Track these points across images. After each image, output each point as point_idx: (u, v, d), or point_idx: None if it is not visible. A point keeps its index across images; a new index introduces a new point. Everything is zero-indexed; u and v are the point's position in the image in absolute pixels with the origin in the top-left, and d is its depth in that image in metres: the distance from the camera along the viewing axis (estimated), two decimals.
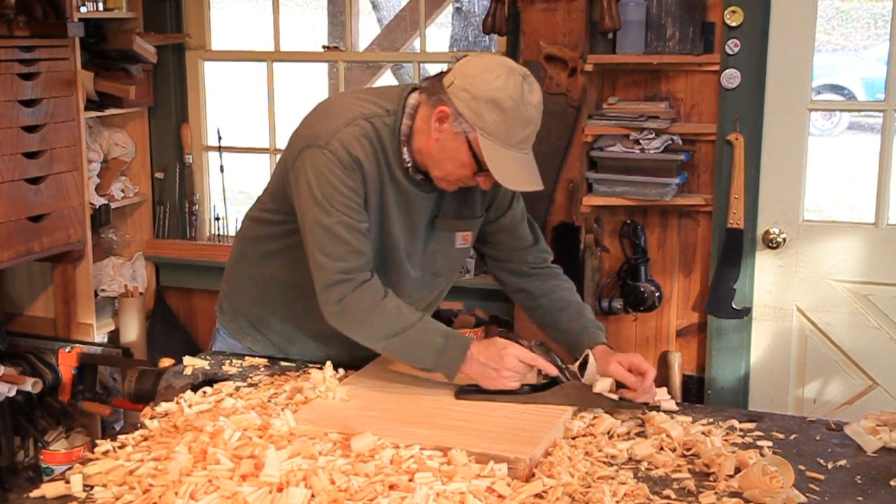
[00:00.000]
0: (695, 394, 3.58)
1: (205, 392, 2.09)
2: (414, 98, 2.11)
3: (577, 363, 2.07)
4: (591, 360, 2.05)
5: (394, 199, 2.13)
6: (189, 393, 2.08)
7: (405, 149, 2.10)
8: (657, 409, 2.06)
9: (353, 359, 2.24)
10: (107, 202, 3.97)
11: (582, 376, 2.04)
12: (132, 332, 4.07)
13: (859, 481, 1.77)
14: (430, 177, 2.12)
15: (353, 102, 2.14)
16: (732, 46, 3.33)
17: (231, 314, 2.40)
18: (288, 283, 2.26)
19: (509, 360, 2.01)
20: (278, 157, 4.36)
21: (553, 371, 2.02)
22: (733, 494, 1.70)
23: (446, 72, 2.06)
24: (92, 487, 1.70)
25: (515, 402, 2.01)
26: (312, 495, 1.58)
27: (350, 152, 2.04)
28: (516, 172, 2.03)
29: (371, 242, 2.10)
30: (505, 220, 2.29)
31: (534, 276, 2.33)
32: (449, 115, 2.00)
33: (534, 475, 1.73)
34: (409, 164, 2.11)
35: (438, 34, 7.95)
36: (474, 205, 2.24)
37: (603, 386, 2.02)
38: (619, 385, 2.04)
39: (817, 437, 1.96)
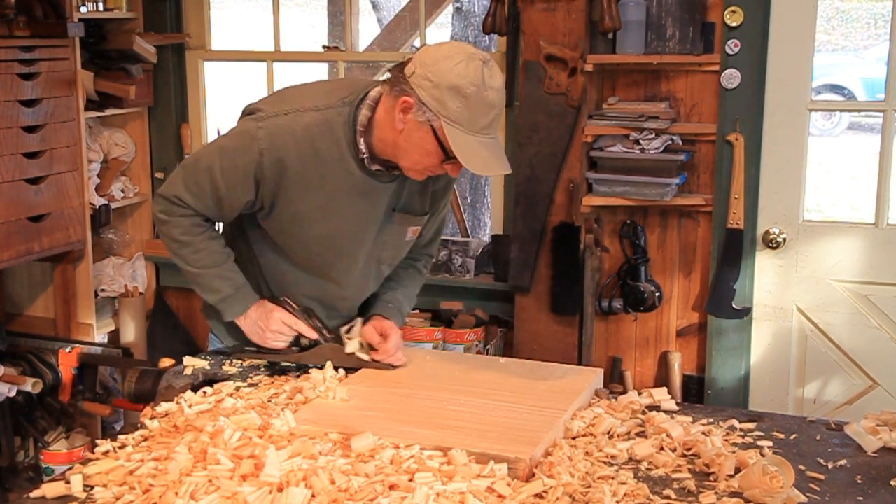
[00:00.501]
0: (695, 394, 3.58)
1: (205, 392, 2.09)
2: (376, 90, 2.13)
3: (346, 327, 2.29)
4: (357, 325, 2.27)
5: (344, 188, 2.15)
6: (189, 393, 2.08)
7: (361, 139, 2.12)
8: (657, 409, 2.07)
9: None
10: (107, 202, 3.97)
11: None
12: (132, 332, 4.07)
13: (859, 481, 1.77)
14: (389, 167, 2.15)
15: (312, 92, 2.20)
16: (732, 46, 3.33)
17: (215, 313, 2.40)
18: (269, 271, 2.32)
19: (274, 322, 2.22)
20: None
21: (312, 335, 2.24)
22: (733, 494, 1.70)
23: (406, 61, 2.06)
24: (92, 487, 1.70)
25: (283, 359, 2.25)
26: (312, 495, 1.58)
27: (272, 142, 2.09)
28: (483, 158, 2.03)
29: (311, 229, 2.19)
30: (430, 218, 2.36)
31: (402, 265, 2.42)
32: (412, 104, 2.01)
33: (534, 475, 1.73)
34: (364, 155, 2.13)
35: (438, 34, 7.94)
36: (426, 201, 2.29)
37: (352, 346, 2.24)
38: (372, 348, 2.24)
39: (817, 437, 1.96)
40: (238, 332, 2.35)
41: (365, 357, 2.23)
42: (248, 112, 2.19)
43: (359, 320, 2.30)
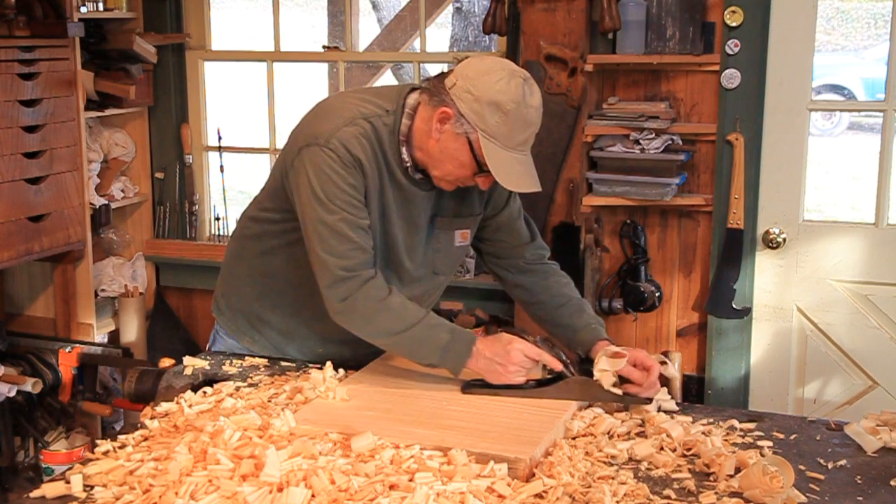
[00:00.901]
0: (695, 394, 3.58)
1: (205, 392, 2.09)
2: (413, 98, 2.13)
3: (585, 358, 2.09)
4: (601, 356, 2.06)
5: (393, 198, 2.14)
6: (189, 393, 2.08)
7: (404, 148, 2.12)
8: (657, 409, 2.06)
9: (354, 355, 2.25)
10: (107, 202, 3.97)
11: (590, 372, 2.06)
12: (132, 332, 4.07)
13: (859, 481, 1.77)
14: (429, 176, 2.14)
15: (353, 102, 2.15)
16: (732, 46, 3.33)
17: (229, 314, 2.40)
18: (288, 280, 2.27)
19: (515, 355, 2.03)
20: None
21: (558, 366, 2.04)
22: (733, 494, 1.70)
23: (448, 73, 2.07)
24: (92, 487, 1.70)
25: (521, 396, 2.02)
26: (312, 495, 1.58)
27: (350, 151, 2.05)
28: (516, 174, 2.05)
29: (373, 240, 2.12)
30: (501, 217, 2.31)
31: (531, 273, 2.34)
32: (451, 116, 2.02)
33: (534, 475, 1.73)
34: (408, 164, 2.13)
35: (438, 34, 7.95)
36: (473, 203, 2.26)
37: (607, 381, 2.03)
38: (623, 380, 2.05)
39: (817, 437, 1.96)
40: (254, 331, 2.34)
41: (618, 391, 2.04)
42: (301, 148, 2.08)
43: (604, 352, 2.08)
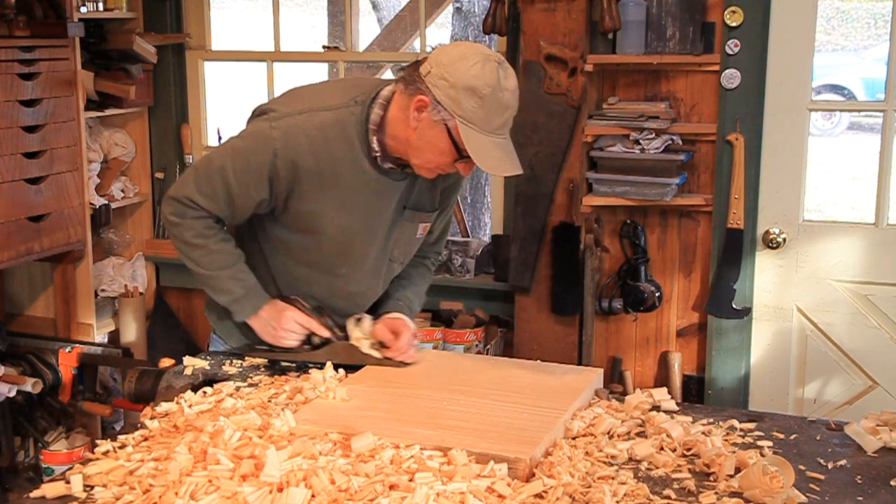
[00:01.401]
0: (695, 394, 3.58)
1: (205, 392, 2.09)
2: (387, 89, 2.15)
3: (354, 319, 2.28)
4: (367, 322, 2.26)
5: (356, 187, 2.16)
6: (189, 393, 2.08)
7: (374, 138, 2.13)
8: (657, 409, 2.06)
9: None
10: (107, 202, 3.97)
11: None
12: (132, 332, 4.07)
13: (859, 481, 1.76)
14: (401, 165, 2.17)
15: (323, 91, 2.21)
16: (732, 46, 3.33)
17: (218, 314, 2.40)
18: (279, 271, 2.31)
19: (286, 320, 2.22)
20: None
21: (324, 333, 2.25)
22: (733, 494, 1.70)
23: (422, 61, 2.08)
24: (92, 487, 1.70)
25: (295, 358, 2.26)
26: (312, 495, 1.58)
27: (288, 142, 2.10)
28: (497, 158, 2.06)
29: (327, 228, 2.20)
30: (439, 215, 2.38)
31: (412, 264, 2.43)
32: (428, 103, 2.03)
33: (534, 475, 1.73)
34: (377, 153, 2.14)
35: (438, 34, 7.95)
36: (436, 198, 2.31)
37: (365, 345, 2.24)
38: (383, 346, 2.25)
39: (817, 437, 1.96)
40: (244, 332, 2.35)
41: (377, 354, 2.23)
42: (260, 112, 2.20)
43: (367, 317, 2.29)
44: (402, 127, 2.09)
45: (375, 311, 2.38)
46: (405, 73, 2.09)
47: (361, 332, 2.26)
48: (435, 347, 3.67)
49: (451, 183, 2.31)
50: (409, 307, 2.38)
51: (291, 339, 2.25)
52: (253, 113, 2.24)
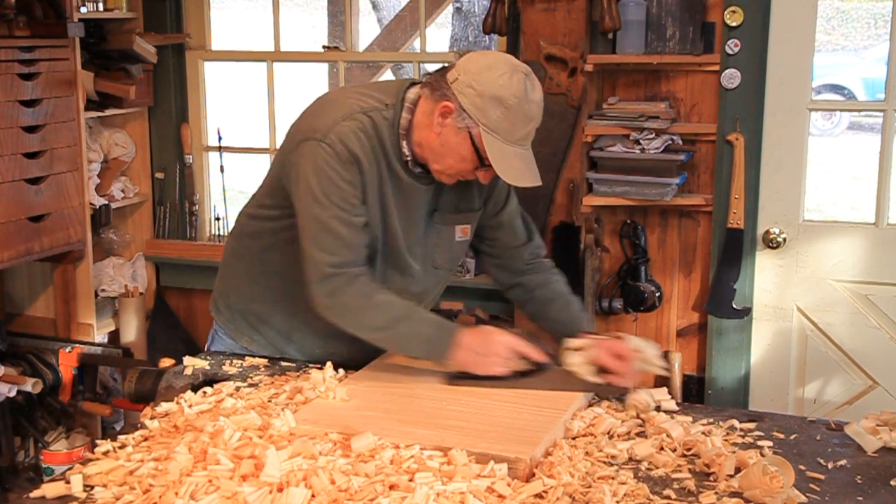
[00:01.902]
0: (695, 394, 3.58)
1: (205, 392, 2.09)
2: (413, 92, 2.14)
3: (573, 347, 2.11)
4: (564, 349, 2.11)
5: (393, 192, 2.15)
6: (189, 393, 2.08)
7: (404, 142, 2.12)
8: (657, 408, 2.07)
9: (352, 355, 2.24)
10: (107, 202, 3.97)
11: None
12: (132, 332, 4.07)
13: (859, 481, 1.77)
14: (429, 170, 2.15)
15: (352, 97, 2.16)
16: (732, 46, 3.33)
17: (228, 314, 2.39)
18: (289, 277, 2.26)
19: (497, 346, 2.07)
20: None
21: (540, 357, 2.09)
22: (733, 494, 1.70)
23: (449, 67, 2.08)
24: (92, 487, 1.70)
25: (503, 386, 2.06)
26: (312, 495, 1.58)
27: (347, 146, 2.06)
28: (517, 168, 2.07)
29: (372, 236, 2.13)
30: (501, 216, 2.33)
31: (528, 272, 2.36)
32: (453, 110, 2.03)
33: (534, 475, 1.73)
34: (408, 158, 2.14)
35: (438, 34, 7.95)
36: (472, 198, 2.27)
37: (586, 371, 2.08)
38: (604, 370, 2.09)
39: (817, 437, 1.96)
40: (252, 329, 2.34)
41: (599, 380, 2.08)
42: (301, 142, 2.10)
43: (584, 341, 2.12)
44: (425, 132, 2.09)
45: (555, 332, 2.27)
46: (431, 78, 2.10)
47: (580, 358, 2.09)
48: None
49: (491, 184, 2.22)
50: (589, 320, 2.31)
51: (502, 367, 2.08)
52: (291, 146, 2.14)
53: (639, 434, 1.95)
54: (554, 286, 2.35)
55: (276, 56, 4.23)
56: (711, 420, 2.03)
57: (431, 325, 2.11)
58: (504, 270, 2.39)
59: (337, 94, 2.25)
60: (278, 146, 4.37)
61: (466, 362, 2.08)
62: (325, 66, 6.71)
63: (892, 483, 1.76)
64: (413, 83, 2.17)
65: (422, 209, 2.20)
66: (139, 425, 1.97)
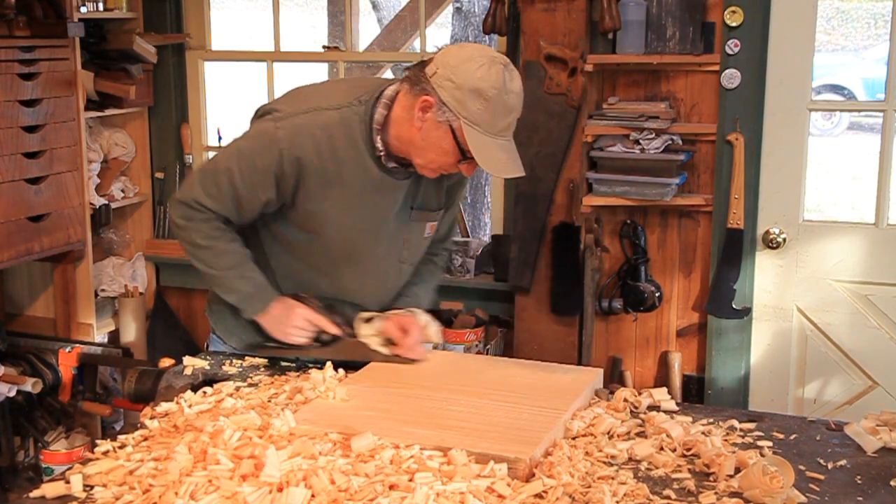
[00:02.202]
0: (695, 394, 3.58)
1: (205, 392, 2.09)
2: (391, 88, 2.15)
3: (365, 316, 2.28)
4: (376, 319, 2.26)
5: (361, 186, 2.17)
6: (189, 393, 2.08)
7: (378, 137, 2.14)
8: (657, 408, 2.07)
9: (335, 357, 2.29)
10: (107, 202, 3.97)
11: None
12: (132, 332, 4.07)
13: (859, 481, 1.77)
14: (405, 164, 2.17)
15: (327, 91, 2.22)
16: (732, 46, 3.33)
17: (219, 314, 2.40)
18: (282, 272, 2.31)
19: (296, 317, 2.23)
20: None
21: (333, 330, 2.25)
22: (733, 494, 1.70)
23: (427, 61, 2.09)
24: (92, 487, 1.70)
25: (302, 355, 2.27)
26: (312, 495, 1.58)
27: (293, 142, 2.11)
28: (500, 160, 2.07)
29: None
30: (445, 213, 2.39)
31: (428, 258, 2.45)
32: (433, 104, 2.04)
33: (534, 475, 1.73)
34: (381, 153, 2.15)
35: (438, 34, 7.95)
36: (442, 196, 2.32)
37: (374, 342, 2.25)
38: (392, 342, 2.25)
39: (817, 437, 1.96)
40: (246, 332, 2.36)
41: (385, 351, 2.24)
42: (264, 113, 2.21)
43: (376, 314, 2.28)
44: (406, 126, 2.10)
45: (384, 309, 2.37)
46: (410, 73, 2.10)
47: (370, 330, 2.26)
48: (435, 347, 3.66)
49: (455, 181, 2.32)
50: (417, 304, 2.38)
51: (301, 336, 2.25)
52: (256, 113, 2.25)
53: (639, 434, 1.95)
54: (419, 266, 2.43)
55: (276, 56, 4.23)
56: (711, 420, 2.03)
57: (253, 286, 2.24)
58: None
59: (315, 87, 2.31)
60: None
61: (269, 328, 2.25)
62: (325, 67, 6.70)
63: (892, 483, 1.76)
64: (395, 82, 2.19)
65: (396, 204, 2.23)
66: (139, 425, 1.97)
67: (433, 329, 2.32)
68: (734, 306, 3.44)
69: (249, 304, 2.25)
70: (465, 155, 2.07)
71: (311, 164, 2.12)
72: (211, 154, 4.33)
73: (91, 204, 3.79)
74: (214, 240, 2.21)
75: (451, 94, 2.01)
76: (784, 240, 3.46)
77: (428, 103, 2.04)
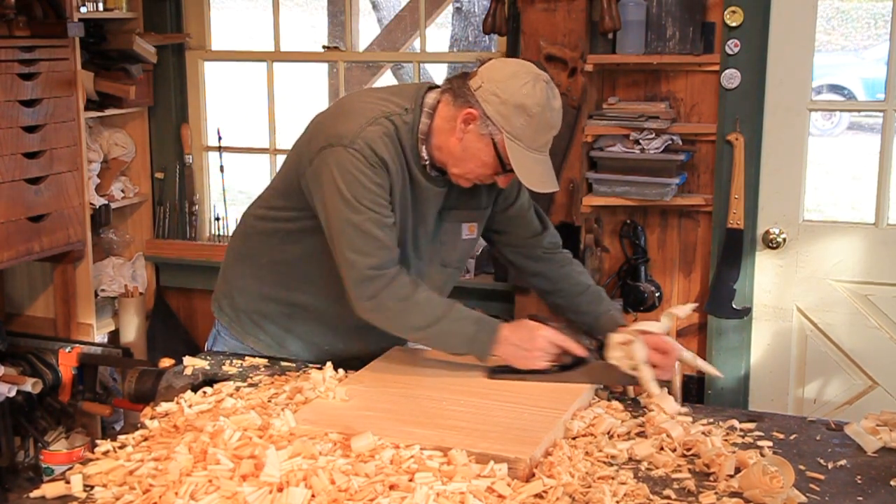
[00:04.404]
0: (695, 394, 3.57)
1: (205, 392, 2.09)
2: (431, 97, 2.17)
3: (619, 341, 2.13)
4: (610, 342, 2.13)
5: (409, 194, 2.18)
6: (189, 393, 2.08)
7: (423, 146, 2.16)
8: (667, 399, 2.06)
9: (359, 351, 2.29)
10: (107, 202, 3.97)
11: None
12: (132, 332, 4.07)
13: (859, 481, 1.77)
14: (443, 172, 2.19)
15: (372, 101, 2.19)
16: (732, 46, 3.33)
17: (232, 314, 2.40)
18: (303, 277, 2.30)
19: (539, 340, 2.11)
20: (278, 157, 4.36)
21: (581, 352, 2.13)
22: (733, 494, 1.70)
23: (471, 74, 2.11)
24: (92, 487, 1.70)
25: (546, 380, 2.10)
26: (312, 495, 1.58)
27: (376, 151, 2.09)
28: (538, 174, 2.11)
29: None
30: (513, 210, 2.36)
31: (548, 261, 2.40)
32: (477, 117, 2.07)
33: (534, 475, 1.73)
34: (426, 161, 2.17)
35: (438, 34, 7.95)
36: (480, 197, 2.30)
37: (626, 365, 2.10)
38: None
39: (817, 437, 1.96)
40: (259, 329, 2.35)
41: (647, 375, 2.09)
42: (325, 146, 2.10)
43: (631, 337, 2.13)
44: (445, 136, 2.13)
45: (587, 326, 2.32)
46: (453, 84, 2.13)
47: (620, 352, 2.11)
48: None
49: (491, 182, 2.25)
50: (618, 310, 2.36)
51: (544, 361, 2.13)
52: (313, 152, 2.13)
53: (639, 434, 1.95)
54: (579, 278, 2.39)
55: (276, 56, 4.23)
56: (711, 420, 2.03)
57: (473, 322, 2.15)
58: (522, 257, 2.42)
59: (357, 99, 2.26)
60: (278, 146, 4.40)
61: (509, 357, 2.12)
62: (324, 67, 6.71)
63: (892, 483, 1.76)
64: (431, 87, 2.20)
65: (433, 209, 2.24)
66: (139, 425, 1.97)
67: (687, 354, 2.20)
68: (734, 306, 3.44)
69: (479, 341, 2.13)
70: (504, 168, 2.10)
71: (390, 167, 2.10)
72: (211, 154, 4.33)
73: (91, 204, 3.79)
74: (408, 298, 2.10)
75: (496, 109, 2.05)
76: (784, 240, 3.46)
77: (472, 116, 2.07)
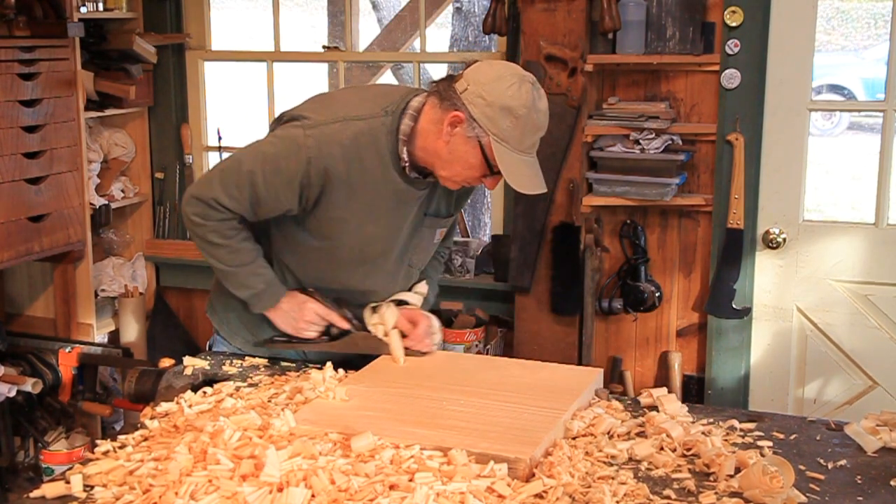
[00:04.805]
0: (695, 394, 3.58)
1: (205, 392, 2.09)
2: (417, 100, 2.17)
3: (370, 307, 2.31)
4: (385, 311, 2.28)
5: (382, 196, 2.19)
6: (189, 393, 2.08)
7: (404, 148, 2.15)
8: (656, 409, 2.06)
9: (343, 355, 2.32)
10: (107, 202, 3.97)
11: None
12: (132, 332, 4.07)
13: (859, 481, 1.77)
14: (427, 175, 2.20)
15: (353, 100, 2.21)
16: (732, 46, 3.33)
17: (223, 314, 2.41)
18: (289, 270, 2.32)
19: (307, 312, 2.27)
20: None
21: (343, 324, 2.29)
22: (733, 494, 1.70)
23: (457, 77, 2.12)
24: (92, 487, 1.70)
25: (312, 348, 2.31)
26: (312, 495, 1.58)
27: (321, 152, 2.10)
28: (526, 176, 2.12)
29: (349, 237, 2.22)
30: (451, 219, 2.43)
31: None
32: (463, 119, 2.07)
33: (534, 475, 1.73)
34: (406, 163, 2.17)
35: (438, 34, 7.94)
36: (451, 204, 2.35)
37: (380, 332, 2.28)
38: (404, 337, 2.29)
39: (817, 437, 1.96)
40: (248, 332, 2.37)
41: (395, 342, 2.26)
42: (290, 119, 2.19)
43: (385, 305, 2.31)
44: (432, 139, 2.13)
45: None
46: (439, 87, 2.13)
47: (377, 318, 2.29)
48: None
49: (464, 189, 2.32)
50: (424, 297, 2.42)
51: (311, 331, 2.28)
52: (280, 118, 2.24)
53: (639, 434, 1.95)
54: (428, 269, 2.47)
55: (276, 56, 4.23)
56: (711, 420, 2.03)
57: (264, 281, 2.26)
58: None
59: (340, 95, 2.32)
60: None
61: (280, 323, 2.28)
62: (324, 66, 6.70)
63: (892, 483, 1.76)
64: (419, 93, 2.21)
65: (412, 212, 2.25)
66: (139, 425, 1.97)
67: (436, 325, 2.35)
68: (734, 306, 3.44)
69: (260, 300, 2.26)
70: (491, 170, 2.11)
71: (338, 174, 2.12)
72: (211, 154, 4.33)
73: (91, 204, 3.79)
74: (229, 238, 2.21)
75: (482, 111, 2.06)
76: (784, 240, 3.46)
77: (458, 118, 2.08)
